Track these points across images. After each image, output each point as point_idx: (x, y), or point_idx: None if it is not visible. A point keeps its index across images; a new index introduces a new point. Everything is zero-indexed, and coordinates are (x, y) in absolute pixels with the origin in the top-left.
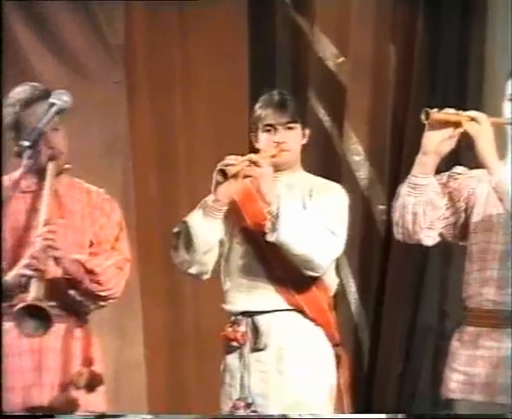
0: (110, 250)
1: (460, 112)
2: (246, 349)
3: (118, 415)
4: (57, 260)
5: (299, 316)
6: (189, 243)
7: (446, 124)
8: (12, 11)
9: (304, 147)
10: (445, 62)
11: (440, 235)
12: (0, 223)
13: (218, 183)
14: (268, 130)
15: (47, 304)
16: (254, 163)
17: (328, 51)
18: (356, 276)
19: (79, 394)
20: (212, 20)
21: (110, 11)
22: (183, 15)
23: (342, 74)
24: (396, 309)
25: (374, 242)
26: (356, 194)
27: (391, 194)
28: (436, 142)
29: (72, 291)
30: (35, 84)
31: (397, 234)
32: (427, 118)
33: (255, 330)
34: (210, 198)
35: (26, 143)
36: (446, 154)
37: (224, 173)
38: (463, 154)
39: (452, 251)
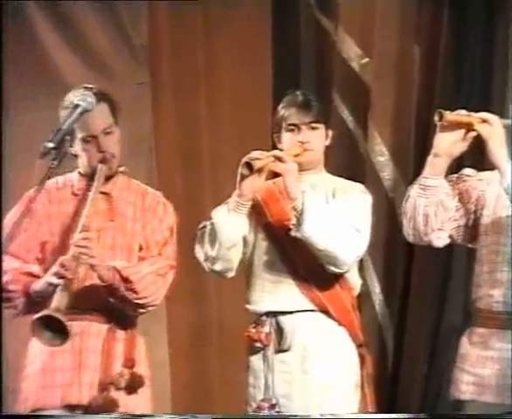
0: (156, 255)
1: (472, 113)
2: (270, 350)
3: (143, 415)
4: (93, 268)
5: (323, 316)
6: (213, 238)
7: (457, 125)
8: (37, 12)
9: (328, 148)
10: (469, 62)
11: (450, 236)
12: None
13: (244, 177)
14: (292, 130)
15: (66, 315)
16: (279, 159)
17: (352, 51)
18: (381, 277)
19: (120, 395)
20: (236, 21)
21: (134, 11)
22: (208, 16)
23: (367, 75)
24: (420, 310)
25: (398, 243)
26: (380, 195)
27: None
28: (448, 144)
29: (111, 299)
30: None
31: (408, 235)
32: (441, 119)
33: (279, 331)
34: (234, 193)
35: (51, 145)
36: (458, 156)
37: (249, 166)
38: (470, 156)
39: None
